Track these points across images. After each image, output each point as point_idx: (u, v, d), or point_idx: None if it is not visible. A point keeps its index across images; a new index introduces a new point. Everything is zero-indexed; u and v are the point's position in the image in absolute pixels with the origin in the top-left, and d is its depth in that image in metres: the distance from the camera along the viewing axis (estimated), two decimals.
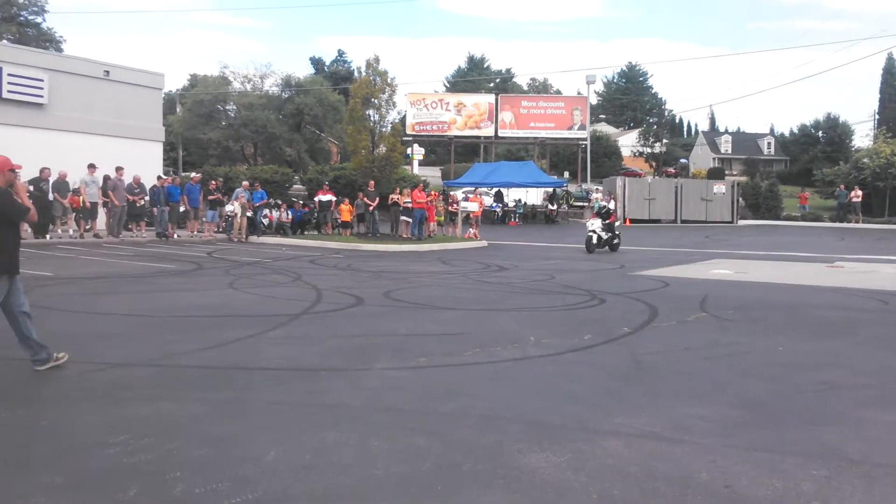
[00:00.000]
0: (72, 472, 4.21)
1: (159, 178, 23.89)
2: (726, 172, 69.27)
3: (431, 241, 24.07)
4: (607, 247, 21.76)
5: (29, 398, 5.74)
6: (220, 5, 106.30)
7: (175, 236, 22.91)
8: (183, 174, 35.78)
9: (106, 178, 21.48)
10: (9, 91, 22.80)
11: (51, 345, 6.62)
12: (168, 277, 13.65)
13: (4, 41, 40.57)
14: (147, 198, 22.45)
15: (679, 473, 4.33)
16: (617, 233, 22.14)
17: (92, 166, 20.95)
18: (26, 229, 19.60)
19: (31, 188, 19.39)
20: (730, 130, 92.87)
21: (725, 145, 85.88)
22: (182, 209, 23.86)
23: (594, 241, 21.34)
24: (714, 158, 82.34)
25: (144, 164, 24.02)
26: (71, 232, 21.03)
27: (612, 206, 24.57)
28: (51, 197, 20.05)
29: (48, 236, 20.08)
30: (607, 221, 21.88)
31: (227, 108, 50.05)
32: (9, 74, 22.81)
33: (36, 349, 6.35)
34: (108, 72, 26.01)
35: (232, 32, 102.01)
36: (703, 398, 5.97)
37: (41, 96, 23.62)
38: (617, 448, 4.73)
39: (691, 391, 6.19)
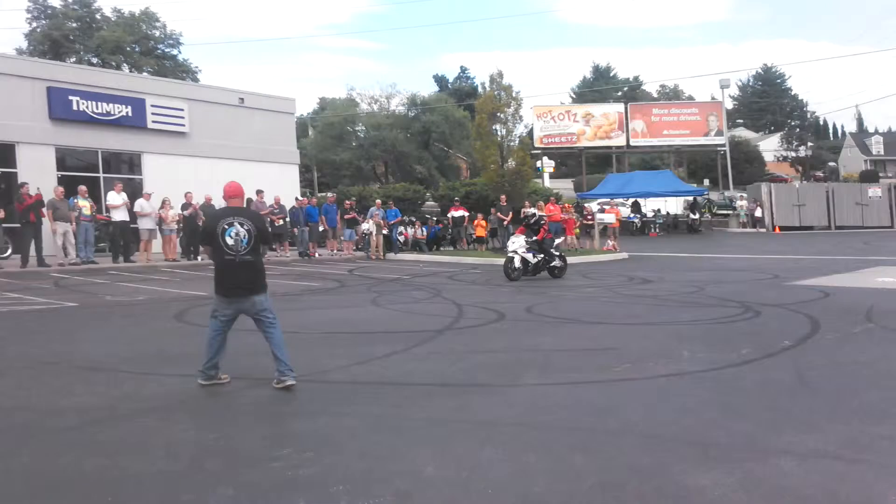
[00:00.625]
0: (242, 484, 4.35)
1: (297, 199, 24.79)
2: (880, 175, 64.97)
3: (569, 254, 23.66)
4: (546, 272, 16.68)
5: (196, 412, 6.01)
6: (345, 30, 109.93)
7: (317, 255, 23.68)
8: (319, 195, 37.03)
9: (248, 200, 22.43)
10: (153, 121, 24.03)
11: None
12: (313, 295, 14.08)
13: (145, 74, 43.24)
14: (287, 218, 23.32)
15: (864, 496, 4.03)
16: (556, 252, 16.98)
17: None
18: (178, 250, 20.83)
19: (185, 213, 20.60)
20: (880, 131, 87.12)
21: (877, 146, 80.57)
22: (321, 229, 24.64)
23: (516, 265, 16.17)
24: (865, 160, 77.48)
25: (283, 186, 24.97)
26: None
27: (539, 211, 18.93)
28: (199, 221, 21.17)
29: (199, 258, 21.15)
30: (535, 239, 16.56)
31: (357, 129, 51.55)
32: (152, 105, 24.06)
33: (212, 365, 6.60)
34: (242, 99, 27.11)
35: (357, 55, 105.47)
36: (880, 415, 5.54)
37: (183, 125, 24.79)
38: (790, 468, 4.45)
39: (865, 408, 5.75)
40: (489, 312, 11.22)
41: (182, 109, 24.82)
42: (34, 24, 49.61)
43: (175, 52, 53.80)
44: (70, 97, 21.99)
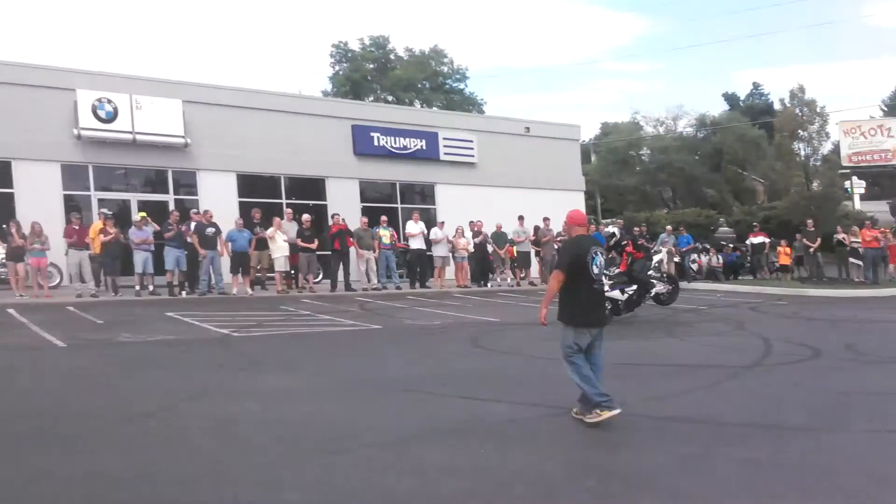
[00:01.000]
0: None
1: None
2: None
3: (893, 285, 20.94)
4: (655, 303, 13.92)
5: (498, 436, 5.94)
6: (626, 53, 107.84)
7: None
8: (604, 221, 36.64)
9: (536, 228, 22.71)
10: (445, 153, 25.22)
11: (504, 385, 7.40)
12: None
13: (435, 108, 45.68)
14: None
15: None
16: (657, 275, 14.11)
17: (521, 218, 22.30)
18: (468, 277, 21.56)
19: (475, 241, 21.36)
20: None
21: None
22: (610, 256, 24.17)
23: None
24: None
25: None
26: (509, 280, 22.49)
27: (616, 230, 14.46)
28: (490, 248, 21.84)
29: (489, 284, 21.79)
30: (618, 271, 13.39)
31: (641, 153, 50.32)
32: (444, 138, 25.27)
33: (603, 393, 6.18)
34: (528, 128, 27.60)
35: (639, 78, 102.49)
36: None
37: (472, 156, 25.75)
38: None
39: None
40: (801, 348, 10.18)
41: (471, 141, 25.83)
42: (336, 68, 54.63)
43: (462, 86, 56.32)
44: (371, 133, 23.89)
